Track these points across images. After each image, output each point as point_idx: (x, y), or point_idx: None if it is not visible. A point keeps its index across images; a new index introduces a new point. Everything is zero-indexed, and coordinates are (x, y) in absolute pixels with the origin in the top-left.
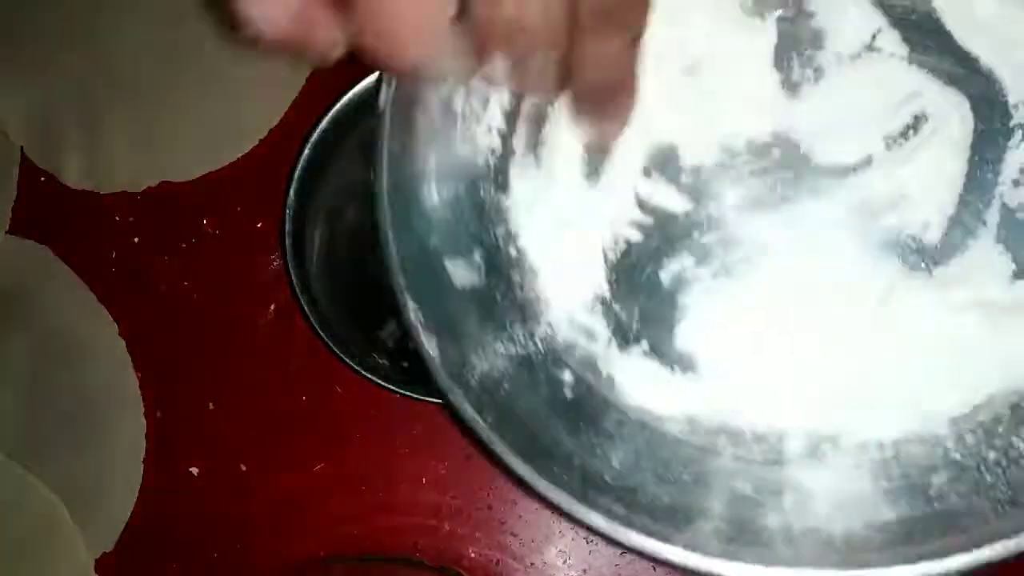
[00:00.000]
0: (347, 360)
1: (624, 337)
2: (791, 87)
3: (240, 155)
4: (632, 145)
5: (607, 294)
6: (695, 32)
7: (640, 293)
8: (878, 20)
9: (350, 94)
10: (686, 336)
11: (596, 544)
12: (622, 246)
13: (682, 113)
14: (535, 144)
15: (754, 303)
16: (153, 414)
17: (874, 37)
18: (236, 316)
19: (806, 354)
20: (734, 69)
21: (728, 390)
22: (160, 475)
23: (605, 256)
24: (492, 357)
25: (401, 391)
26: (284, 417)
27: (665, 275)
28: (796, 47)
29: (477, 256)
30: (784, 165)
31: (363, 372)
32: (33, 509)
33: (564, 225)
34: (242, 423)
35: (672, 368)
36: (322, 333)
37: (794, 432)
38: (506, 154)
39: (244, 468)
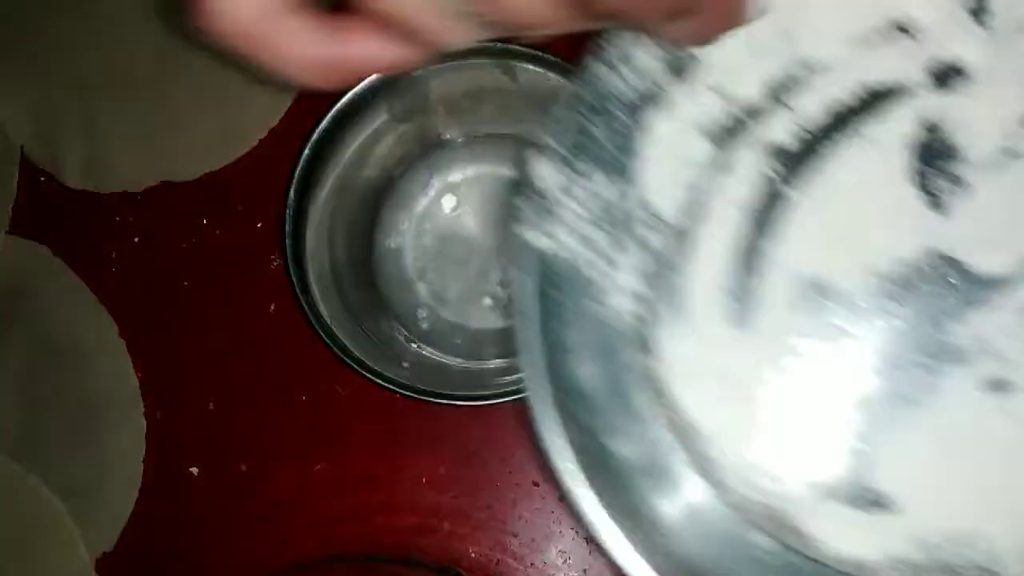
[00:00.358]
0: (347, 360)
1: None
2: (933, 200)
3: (240, 155)
4: (776, 282)
5: None
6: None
7: None
8: (1008, 125)
9: (350, 94)
10: None
11: (596, 544)
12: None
13: (821, 242)
14: (672, 299)
15: (941, 424)
16: (153, 414)
17: (1009, 141)
18: (236, 316)
19: (1012, 468)
20: (868, 190)
21: (931, 521)
22: (160, 475)
23: None
24: (680, 533)
25: (401, 391)
26: (284, 417)
27: None
28: (928, 161)
29: (640, 428)
30: (941, 281)
31: (363, 372)
32: (33, 509)
33: (719, 377)
34: (242, 423)
35: (867, 509)
36: (322, 333)
37: (1014, 553)
38: (646, 316)
39: (244, 468)
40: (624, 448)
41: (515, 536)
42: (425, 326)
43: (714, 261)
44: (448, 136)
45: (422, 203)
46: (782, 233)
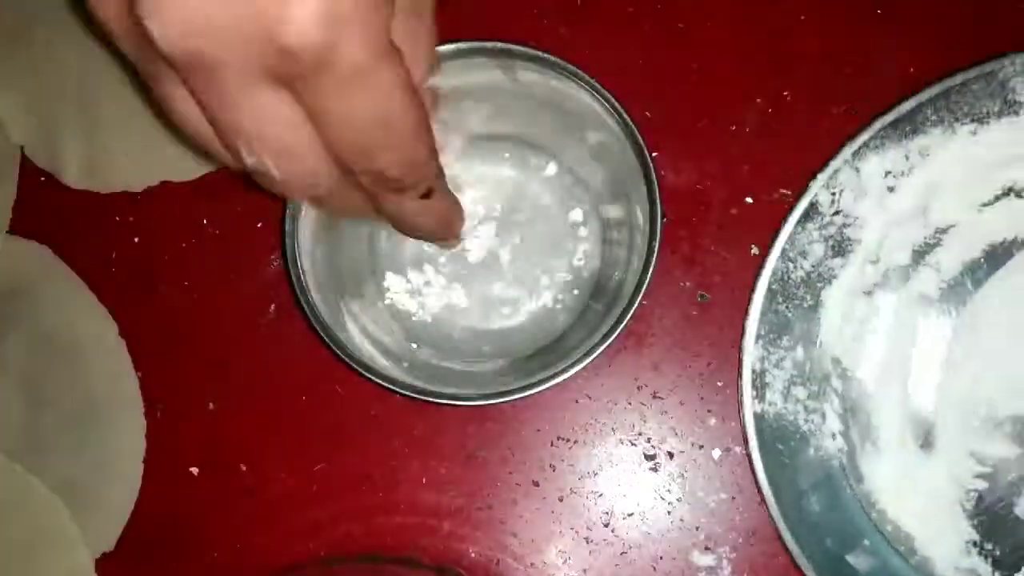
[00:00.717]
0: (347, 360)
1: (1008, 568)
2: None
3: None
4: (951, 413)
5: (977, 538)
6: None
7: (1005, 529)
8: None
9: None
10: None
11: (596, 544)
12: (973, 495)
13: (986, 370)
14: (868, 434)
15: None
16: (153, 414)
17: None
18: (236, 316)
19: None
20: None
21: None
22: (160, 475)
23: (963, 507)
24: None
25: (401, 391)
26: (284, 417)
27: (1020, 509)
28: None
29: (867, 541)
30: None
31: (363, 372)
32: (33, 509)
33: (918, 493)
34: (242, 423)
35: None
36: (322, 333)
37: None
38: (851, 451)
39: (244, 468)
40: (861, 562)
41: (515, 536)
42: (426, 327)
43: (892, 397)
44: (448, 136)
45: None
46: (943, 367)
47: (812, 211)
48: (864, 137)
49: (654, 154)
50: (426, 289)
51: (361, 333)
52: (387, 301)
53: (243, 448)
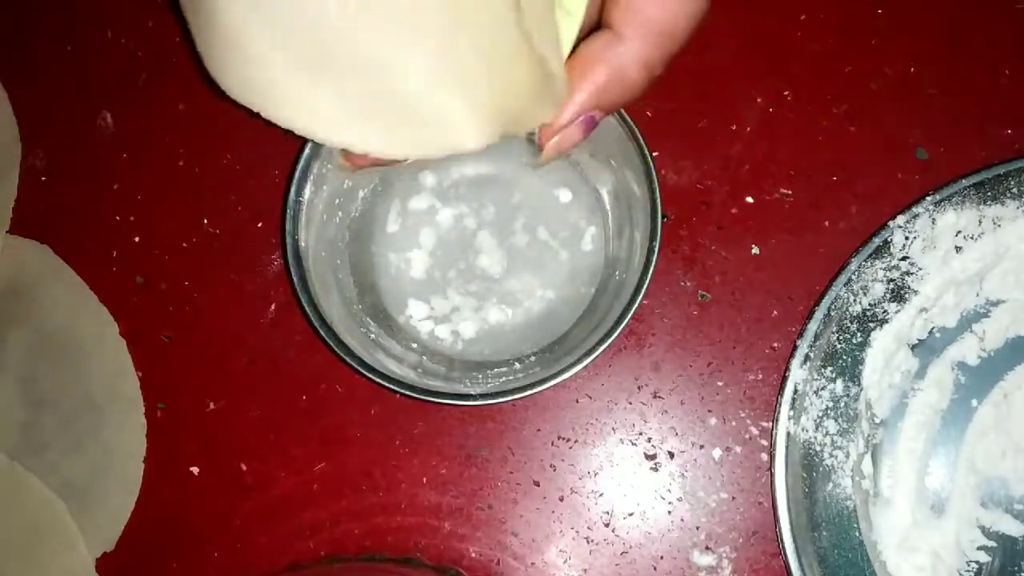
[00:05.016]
0: (347, 360)
1: None
2: None
3: (240, 154)
4: (967, 482)
5: None
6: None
7: None
8: None
9: None
10: None
11: (596, 544)
12: (973, 566)
13: (1009, 447)
14: (884, 484)
15: None
16: (153, 414)
17: None
18: (236, 316)
19: None
20: None
21: None
22: (160, 475)
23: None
24: None
25: (401, 391)
26: (284, 417)
27: None
28: None
29: None
30: None
31: (363, 372)
32: (33, 509)
33: (921, 553)
34: (242, 423)
35: None
36: (322, 333)
37: None
38: (865, 496)
39: (244, 468)
40: None
41: (515, 536)
42: (427, 326)
43: (914, 454)
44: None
45: (423, 203)
46: (967, 435)
47: (883, 249)
48: (950, 191)
49: (654, 154)
50: (455, 316)
51: (365, 331)
52: (412, 330)
53: (243, 448)
